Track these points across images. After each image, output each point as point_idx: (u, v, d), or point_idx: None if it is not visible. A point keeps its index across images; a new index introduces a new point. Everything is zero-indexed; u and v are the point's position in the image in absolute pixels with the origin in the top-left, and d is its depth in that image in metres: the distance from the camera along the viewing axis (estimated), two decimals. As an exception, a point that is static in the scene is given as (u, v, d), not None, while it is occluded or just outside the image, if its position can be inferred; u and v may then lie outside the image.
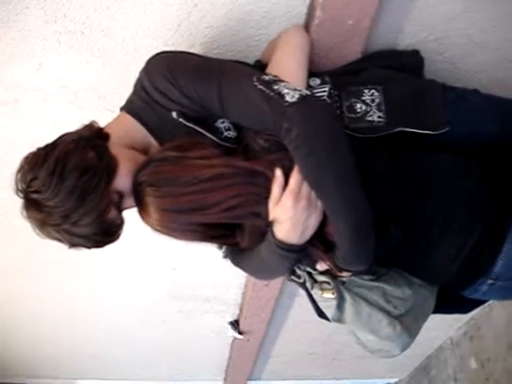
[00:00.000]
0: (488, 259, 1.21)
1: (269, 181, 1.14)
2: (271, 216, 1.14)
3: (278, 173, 1.13)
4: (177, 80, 1.17)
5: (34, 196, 1.13)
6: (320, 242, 1.18)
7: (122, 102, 1.31)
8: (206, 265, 2.30)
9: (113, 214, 1.20)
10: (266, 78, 1.15)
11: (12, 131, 1.71)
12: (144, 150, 1.30)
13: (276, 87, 1.12)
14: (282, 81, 1.15)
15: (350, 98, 1.33)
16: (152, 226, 1.21)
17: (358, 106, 1.31)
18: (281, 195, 1.12)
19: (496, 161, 1.29)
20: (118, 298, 2.63)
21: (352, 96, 1.33)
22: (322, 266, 1.29)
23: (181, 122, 1.20)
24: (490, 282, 1.24)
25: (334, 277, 1.35)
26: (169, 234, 1.22)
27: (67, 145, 1.17)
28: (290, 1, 1.40)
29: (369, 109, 1.31)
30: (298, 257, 1.18)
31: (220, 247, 1.37)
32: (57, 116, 1.67)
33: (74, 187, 1.12)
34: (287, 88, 1.11)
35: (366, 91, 1.33)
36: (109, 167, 1.18)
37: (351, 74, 1.41)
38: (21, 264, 2.33)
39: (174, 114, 1.20)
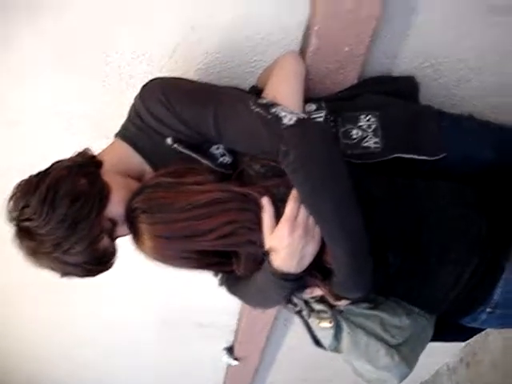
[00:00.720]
0: (487, 288, 1.20)
1: (261, 209, 1.13)
2: (267, 244, 1.12)
3: (265, 201, 1.12)
4: (172, 105, 1.16)
5: (26, 224, 1.13)
6: (317, 269, 1.17)
7: (117, 129, 1.30)
8: (201, 290, 2.26)
9: (105, 242, 1.18)
10: (264, 101, 1.15)
11: (5, 157, 1.69)
12: (138, 177, 1.29)
13: (273, 110, 1.12)
14: (279, 104, 1.15)
15: (345, 124, 1.32)
16: (146, 254, 1.19)
17: (354, 131, 1.30)
18: (272, 224, 1.11)
19: (492, 188, 1.28)
20: (113, 323, 2.59)
21: (348, 122, 1.32)
22: (317, 292, 1.26)
23: (175, 147, 1.19)
24: (488, 310, 1.23)
25: (331, 306, 1.33)
26: (163, 262, 1.20)
27: (59, 172, 1.17)
28: (285, 27, 1.40)
29: (365, 134, 1.30)
30: (295, 286, 1.17)
31: (216, 274, 1.35)
32: (51, 144, 1.65)
33: (66, 215, 1.11)
34: (284, 111, 1.12)
35: (362, 117, 1.32)
36: (101, 194, 1.17)
37: (347, 100, 1.40)
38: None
39: (169, 140, 1.19)
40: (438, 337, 1.39)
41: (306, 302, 1.37)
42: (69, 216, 1.11)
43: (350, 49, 1.37)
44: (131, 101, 1.41)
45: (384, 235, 1.18)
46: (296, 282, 1.16)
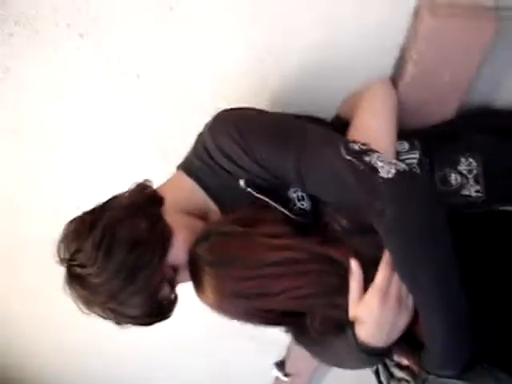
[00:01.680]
0: None
1: (347, 272, 0.99)
2: (352, 313, 0.99)
3: (354, 265, 0.97)
4: (248, 144, 1.01)
5: (78, 270, 1.01)
6: (406, 340, 1.03)
7: (178, 148, 1.19)
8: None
9: (166, 291, 1.06)
10: (356, 147, 0.97)
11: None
12: (202, 216, 1.15)
13: (368, 159, 0.94)
14: (374, 151, 0.97)
15: (443, 168, 1.15)
16: (207, 305, 1.07)
17: (453, 177, 1.13)
18: (361, 291, 0.97)
19: None
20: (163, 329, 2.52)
21: (446, 165, 1.15)
22: (403, 361, 1.12)
23: (249, 191, 1.05)
24: None
25: (413, 374, 1.19)
26: (226, 316, 1.08)
27: (116, 212, 1.04)
28: (377, 49, 1.23)
29: (465, 181, 1.13)
30: (380, 360, 1.06)
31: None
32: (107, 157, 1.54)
33: (123, 264, 0.99)
34: (381, 161, 0.94)
35: (462, 160, 1.15)
36: (163, 239, 1.05)
37: (444, 137, 1.22)
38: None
39: (242, 183, 1.05)
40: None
41: (386, 365, 1.22)
42: (127, 264, 0.99)
43: (451, 78, 1.19)
44: (196, 121, 1.27)
45: (483, 305, 1.02)
46: (381, 357, 1.04)
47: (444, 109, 1.26)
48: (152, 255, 1.01)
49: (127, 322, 1.07)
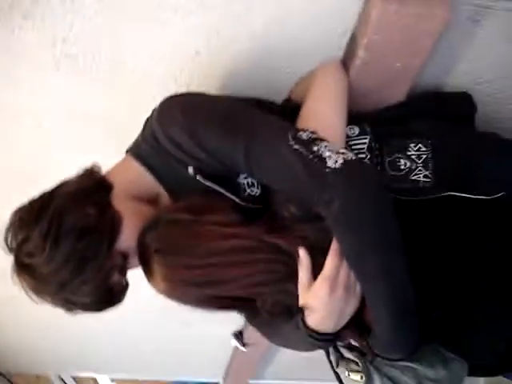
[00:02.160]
0: None
1: (295, 260, 0.99)
2: (302, 301, 0.99)
3: (302, 254, 0.98)
4: (197, 133, 0.99)
5: (26, 260, 0.99)
6: (355, 326, 1.05)
7: (128, 129, 1.14)
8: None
9: (116, 278, 1.05)
10: (304, 136, 0.96)
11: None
12: (152, 201, 1.14)
13: (315, 148, 0.94)
14: (323, 140, 0.97)
15: (393, 153, 1.14)
16: (159, 292, 1.06)
17: (402, 162, 1.13)
18: (309, 279, 0.98)
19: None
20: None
21: (396, 150, 1.14)
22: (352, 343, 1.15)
23: (197, 178, 1.03)
24: None
25: (362, 353, 1.21)
26: (177, 302, 1.07)
27: (63, 200, 1.02)
28: (327, 33, 1.21)
29: (414, 166, 1.12)
30: (329, 345, 1.07)
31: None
32: (55, 141, 1.49)
33: (71, 253, 0.98)
34: (329, 150, 0.93)
35: (411, 145, 1.14)
36: (112, 226, 1.03)
37: (394, 122, 1.22)
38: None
39: (191, 170, 1.03)
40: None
41: (336, 347, 1.24)
42: (75, 253, 0.97)
43: (402, 65, 1.18)
44: (146, 101, 1.25)
45: (430, 290, 1.05)
46: (331, 342, 1.06)
47: (395, 93, 1.25)
48: (101, 243, 1.00)
49: (78, 310, 1.05)
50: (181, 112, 1.02)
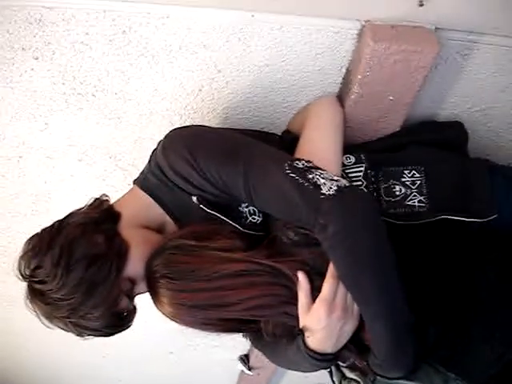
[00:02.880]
0: None
1: (295, 283, 1.03)
2: (302, 323, 1.04)
3: (301, 277, 1.02)
4: (199, 164, 1.04)
5: (39, 286, 1.04)
6: (354, 345, 1.08)
7: (135, 161, 1.18)
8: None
9: (124, 303, 1.10)
10: (300, 164, 1.02)
11: (15, 184, 1.59)
12: (159, 229, 1.19)
13: (311, 176, 0.99)
14: (318, 168, 1.02)
15: (388, 180, 1.20)
16: (165, 316, 1.10)
17: (397, 188, 1.18)
18: (309, 302, 1.02)
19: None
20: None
21: (391, 177, 1.20)
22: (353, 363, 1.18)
23: (201, 207, 1.08)
24: None
25: (363, 372, 1.25)
26: (183, 325, 1.11)
27: (73, 229, 1.07)
28: (323, 70, 1.27)
29: (409, 192, 1.18)
30: (330, 364, 1.11)
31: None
32: (63, 172, 1.55)
33: (82, 279, 1.02)
34: (323, 178, 0.98)
35: (406, 172, 1.20)
36: (119, 254, 1.08)
37: (389, 151, 1.27)
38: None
39: (195, 199, 1.08)
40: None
41: (338, 366, 1.28)
42: (85, 280, 1.02)
43: (395, 98, 1.24)
44: (151, 137, 1.35)
45: (426, 309, 1.08)
46: (331, 362, 1.08)
47: (389, 124, 1.30)
48: (109, 270, 1.05)
49: (89, 334, 1.10)
50: (184, 145, 1.07)
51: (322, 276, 1.02)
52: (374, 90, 1.22)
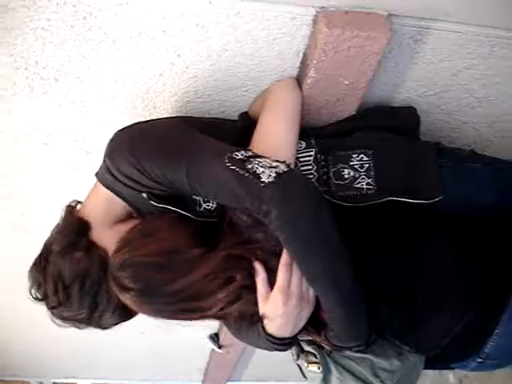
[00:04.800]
0: (479, 340, 1.18)
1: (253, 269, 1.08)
2: (261, 311, 1.08)
3: (258, 266, 1.07)
4: (143, 166, 1.07)
5: (53, 310, 1.20)
6: (311, 323, 1.13)
7: (99, 144, 1.23)
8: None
9: None
10: (239, 155, 1.04)
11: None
12: (127, 216, 1.25)
13: (250, 166, 1.02)
14: (257, 156, 1.05)
15: (337, 164, 1.24)
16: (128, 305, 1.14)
17: (346, 171, 1.22)
18: (266, 290, 1.07)
19: (494, 233, 1.23)
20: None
21: (339, 161, 1.24)
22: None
23: (152, 203, 1.13)
24: (479, 360, 1.21)
25: (320, 346, 1.30)
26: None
27: (56, 256, 1.19)
28: (281, 55, 1.30)
29: (357, 175, 1.22)
30: (289, 347, 1.15)
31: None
32: (28, 156, 1.56)
33: (82, 296, 1.17)
34: (262, 166, 1.02)
35: (354, 156, 1.24)
36: (101, 261, 1.17)
37: (339, 135, 1.32)
38: None
39: (145, 195, 1.13)
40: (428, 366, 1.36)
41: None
42: (85, 295, 1.17)
43: (350, 82, 1.28)
44: (115, 120, 1.39)
45: (375, 286, 1.13)
46: (290, 345, 1.14)
47: (345, 108, 1.35)
48: (100, 277, 1.16)
49: (111, 327, 1.27)
50: (128, 149, 1.10)
51: (277, 255, 1.06)
52: (328, 75, 1.25)
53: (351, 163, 1.23)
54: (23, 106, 1.40)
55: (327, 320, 1.09)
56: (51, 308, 1.19)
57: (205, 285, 1.06)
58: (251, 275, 1.08)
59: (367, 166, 1.23)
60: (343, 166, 1.23)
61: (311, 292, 1.08)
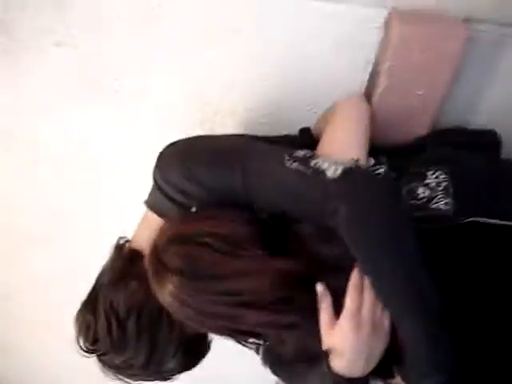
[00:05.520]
0: None
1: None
2: (325, 343, 0.91)
3: (320, 289, 0.91)
4: (194, 173, 0.98)
5: (104, 358, 1.08)
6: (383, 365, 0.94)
7: None
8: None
9: (190, 328, 1.03)
10: (301, 153, 0.95)
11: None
12: None
13: (313, 163, 0.92)
14: (319, 156, 0.96)
15: (410, 182, 1.11)
16: (163, 304, 0.97)
17: (421, 190, 1.09)
18: (331, 317, 0.91)
19: None
20: None
21: (413, 179, 1.11)
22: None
23: None
24: None
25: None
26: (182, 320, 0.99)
27: (107, 289, 1.08)
28: (348, 67, 1.24)
29: (434, 194, 1.08)
30: None
31: (257, 351, 1.12)
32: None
33: (139, 331, 1.04)
34: (327, 162, 0.92)
35: (429, 173, 1.11)
36: None
37: (411, 152, 1.21)
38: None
39: (194, 210, 1.02)
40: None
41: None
42: (142, 330, 1.04)
43: (424, 92, 1.18)
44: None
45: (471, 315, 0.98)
46: None
47: (416, 125, 1.25)
48: (158, 309, 0.99)
49: (174, 375, 1.12)
50: (179, 160, 1.02)
51: (344, 273, 0.92)
52: (402, 80, 1.17)
53: (426, 181, 1.11)
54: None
55: (406, 350, 0.91)
56: (103, 354, 1.06)
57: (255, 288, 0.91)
58: (313, 300, 0.92)
59: (445, 184, 1.10)
60: (417, 184, 1.10)
61: (386, 318, 0.92)
